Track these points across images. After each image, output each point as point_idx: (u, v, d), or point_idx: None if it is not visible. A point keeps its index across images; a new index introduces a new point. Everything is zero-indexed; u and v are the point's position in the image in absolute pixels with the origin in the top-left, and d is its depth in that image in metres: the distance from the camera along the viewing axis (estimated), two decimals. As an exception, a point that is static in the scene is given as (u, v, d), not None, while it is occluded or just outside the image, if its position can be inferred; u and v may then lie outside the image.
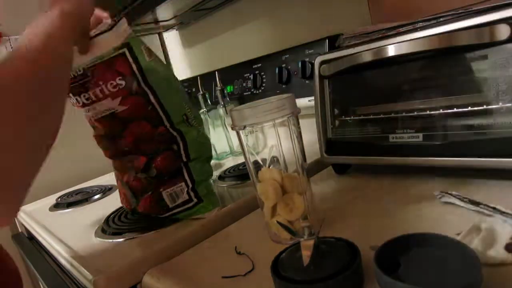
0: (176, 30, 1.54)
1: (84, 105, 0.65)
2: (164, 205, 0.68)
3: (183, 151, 0.67)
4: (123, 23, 0.62)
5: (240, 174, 0.89)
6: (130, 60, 0.62)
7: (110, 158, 0.71)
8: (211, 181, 0.74)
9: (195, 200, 0.68)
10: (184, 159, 0.68)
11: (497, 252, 0.37)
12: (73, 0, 0.52)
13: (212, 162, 0.77)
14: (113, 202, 0.91)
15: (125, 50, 0.62)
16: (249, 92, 1.13)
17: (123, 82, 0.62)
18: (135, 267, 0.57)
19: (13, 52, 0.42)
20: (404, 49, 0.57)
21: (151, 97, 0.64)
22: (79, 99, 0.64)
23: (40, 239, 0.89)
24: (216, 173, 0.96)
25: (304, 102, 0.92)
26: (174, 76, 0.71)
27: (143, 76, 0.63)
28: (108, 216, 0.80)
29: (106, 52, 0.61)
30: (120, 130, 0.66)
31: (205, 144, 0.73)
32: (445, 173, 0.61)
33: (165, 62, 1.34)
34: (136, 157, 0.67)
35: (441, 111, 0.56)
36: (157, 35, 1.59)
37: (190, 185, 0.68)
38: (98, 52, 0.61)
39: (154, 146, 0.66)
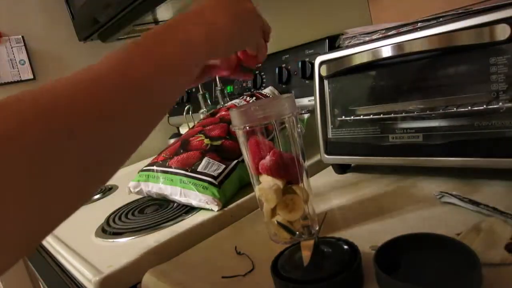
0: (176, 30, 1.53)
1: None
2: (196, 165, 0.74)
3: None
4: None
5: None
6: None
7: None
8: (235, 191, 0.76)
9: (215, 182, 0.71)
10: (241, 159, 0.75)
11: (497, 252, 0.37)
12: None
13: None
14: (113, 202, 0.91)
15: None
16: (249, 92, 1.13)
17: None
18: (135, 267, 0.57)
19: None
20: (404, 49, 0.57)
21: None
22: None
23: (40, 239, 0.88)
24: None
25: (304, 102, 0.92)
26: None
27: None
28: (109, 216, 0.80)
29: None
30: None
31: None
32: (445, 173, 0.61)
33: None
34: (219, 130, 0.81)
35: (441, 111, 0.56)
36: (157, 35, 1.59)
37: (224, 174, 0.73)
38: None
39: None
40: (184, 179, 0.72)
